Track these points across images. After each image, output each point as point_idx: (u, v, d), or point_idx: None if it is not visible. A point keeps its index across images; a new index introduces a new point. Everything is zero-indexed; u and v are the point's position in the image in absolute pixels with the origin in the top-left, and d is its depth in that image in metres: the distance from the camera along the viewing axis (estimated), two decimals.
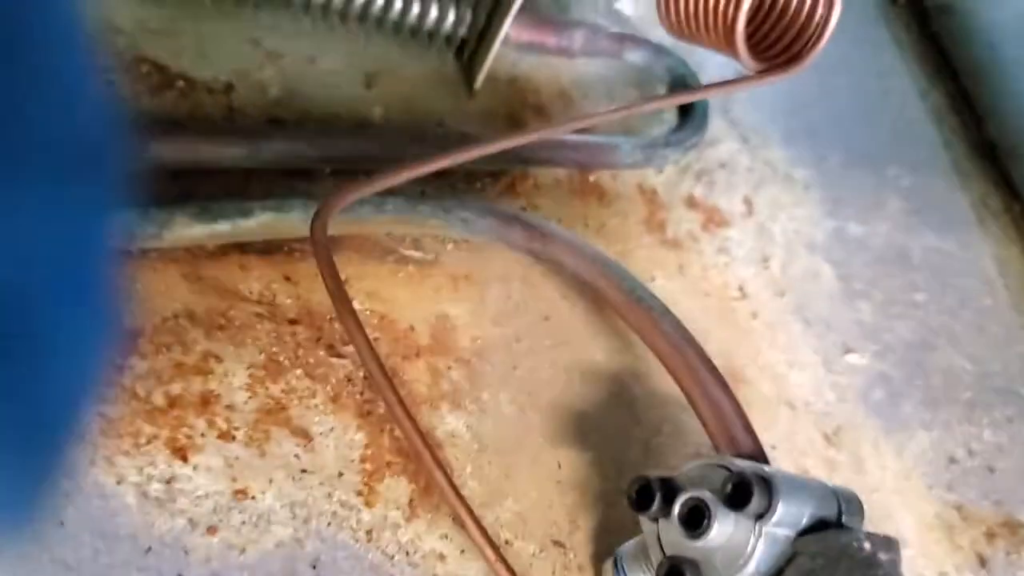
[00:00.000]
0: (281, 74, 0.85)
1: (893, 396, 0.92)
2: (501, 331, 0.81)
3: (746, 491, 0.61)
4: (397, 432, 0.71)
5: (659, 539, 0.65)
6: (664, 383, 0.79)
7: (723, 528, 0.61)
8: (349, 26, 0.89)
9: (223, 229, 0.72)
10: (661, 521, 0.64)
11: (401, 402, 0.65)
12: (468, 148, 0.71)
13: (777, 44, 0.84)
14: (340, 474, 0.69)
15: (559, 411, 0.78)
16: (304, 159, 0.79)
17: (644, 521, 0.66)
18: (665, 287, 0.89)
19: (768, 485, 0.61)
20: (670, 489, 0.64)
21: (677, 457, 0.79)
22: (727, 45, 0.81)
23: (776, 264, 0.96)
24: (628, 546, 0.68)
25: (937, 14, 1.33)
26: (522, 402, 0.77)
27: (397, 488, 0.69)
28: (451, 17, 0.88)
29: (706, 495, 0.62)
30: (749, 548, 0.61)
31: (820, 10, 0.82)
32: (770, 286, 0.94)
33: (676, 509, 0.63)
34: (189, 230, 0.71)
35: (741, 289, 0.92)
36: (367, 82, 0.89)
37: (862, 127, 1.14)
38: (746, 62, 0.81)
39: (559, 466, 0.75)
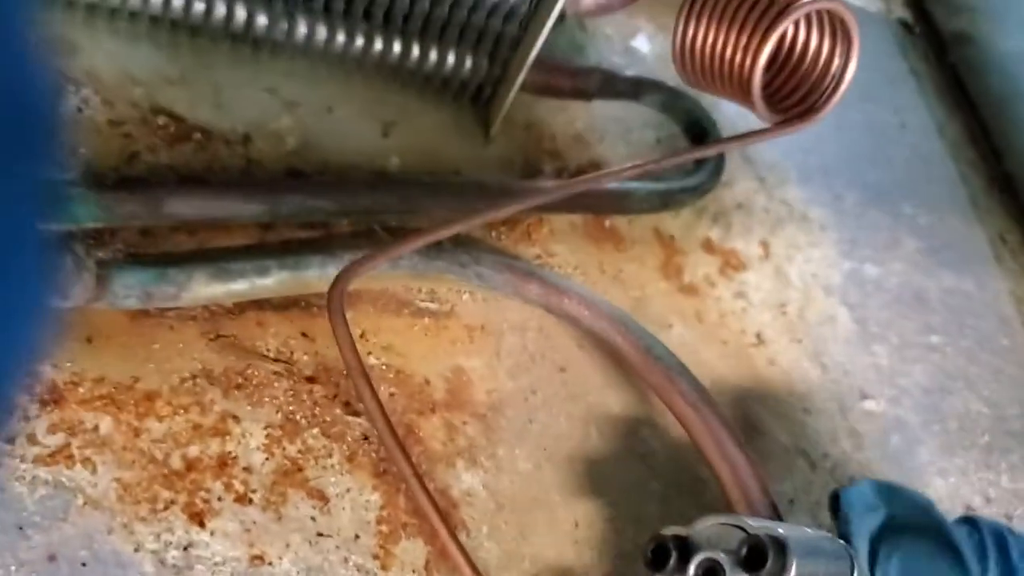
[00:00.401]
0: (298, 124, 0.85)
1: (909, 443, 0.92)
2: (517, 384, 0.81)
3: (761, 554, 0.61)
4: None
5: None
6: (682, 434, 0.79)
7: None
8: (366, 74, 0.89)
9: (240, 288, 0.72)
10: None
11: (417, 474, 0.65)
12: (484, 209, 0.71)
13: (793, 96, 0.83)
14: (356, 537, 0.69)
15: (576, 466, 0.78)
16: (321, 212, 0.79)
17: None
18: (683, 335, 0.89)
19: (782, 547, 0.61)
20: (685, 548, 0.64)
21: (696, 511, 0.79)
22: (744, 97, 0.81)
23: (793, 309, 0.96)
24: None
25: (955, 44, 1.32)
26: (538, 458, 0.77)
27: (414, 551, 0.69)
28: (467, 64, 0.88)
29: (721, 556, 0.62)
30: None
31: (836, 62, 0.82)
32: (787, 332, 0.94)
33: (691, 570, 0.63)
34: (207, 290, 0.71)
35: (759, 336, 0.92)
36: (384, 130, 0.89)
37: (878, 163, 1.14)
38: (763, 114, 0.81)
39: (576, 525, 0.75)
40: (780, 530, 0.63)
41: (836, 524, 0.71)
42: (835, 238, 1.04)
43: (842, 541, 0.68)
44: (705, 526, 0.66)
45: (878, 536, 0.69)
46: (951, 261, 1.08)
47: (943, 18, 1.34)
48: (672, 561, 0.64)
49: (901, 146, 1.18)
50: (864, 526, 0.67)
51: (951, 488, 0.91)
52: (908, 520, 0.70)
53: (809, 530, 0.71)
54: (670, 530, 0.66)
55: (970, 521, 0.73)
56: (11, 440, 0.64)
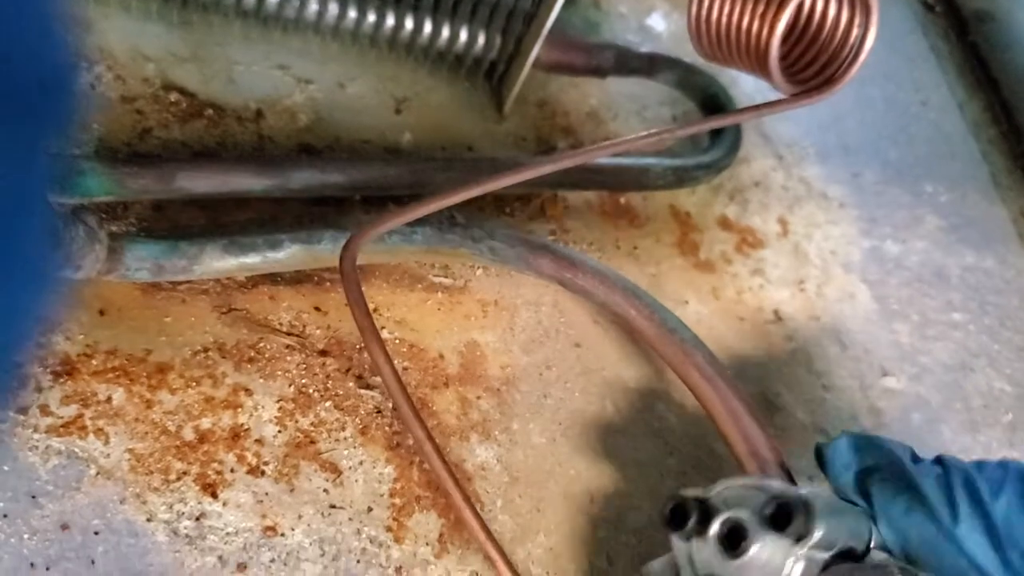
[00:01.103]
0: (311, 100, 0.85)
1: (931, 421, 0.91)
2: (531, 359, 0.80)
3: (787, 513, 0.60)
4: (427, 465, 0.70)
5: (691, 559, 0.64)
6: (699, 408, 0.78)
7: (761, 550, 0.61)
8: (379, 50, 0.88)
9: (253, 261, 0.72)
10: (695, 541, 0.64)
11: (431, 438, 0.65)
12: (494, 178, 0.70)
13: (811, 66, 0.82)
14: (369, 509, 0.68)
15: (590, 441, 0.77)
16: (334, 187, 0.78)
17: (676, 541, 0.65)
18: (699, 311, 0.88)
19: (808, 507, 0.61)
20: (706, 509, 0.64)
21: None
22: (761, 69, 0.80)
23: (811, 286, 0.95)
24: (656, 565, 0.67)
25: (976, 22, 1.30)
26: (553, 432, 0.77)
27: (427, 523, 0.69)
28: (480, 41, 0.88)
29: (745, 516, 0.62)
30: (786, 570, 0.61)
31: (855, 32, 0.81)
32: (805, 309, 0.93)
33: (715, 529, 0.62)
34: (219, 263, 0.71)
35: (776, 312, 0.91)
36: (397, 107, 0.88)
37: (898, 141, 1.12)
38: (780, 85, 0.80)
39: (591, 499, 0.75)
40: (804, 491, 0.63)
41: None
42: (855, 216, 1.02)
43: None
44: (724, 488, 0.65)
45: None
46: (972, 239, 1.07)
47: None
48: (692, 521, 0.63)
49: (922, 124, 1.16)
50: (842, 482, 0.66)
51: None
52: (880, 474, 0.68)
53: (827, 491, 0.70)
54: (690, 491, 0.65)
55: (941, 464, 0.71)
56: (23, 410, 0.64)
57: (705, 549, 0.62)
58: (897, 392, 0.91)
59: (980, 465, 0.65)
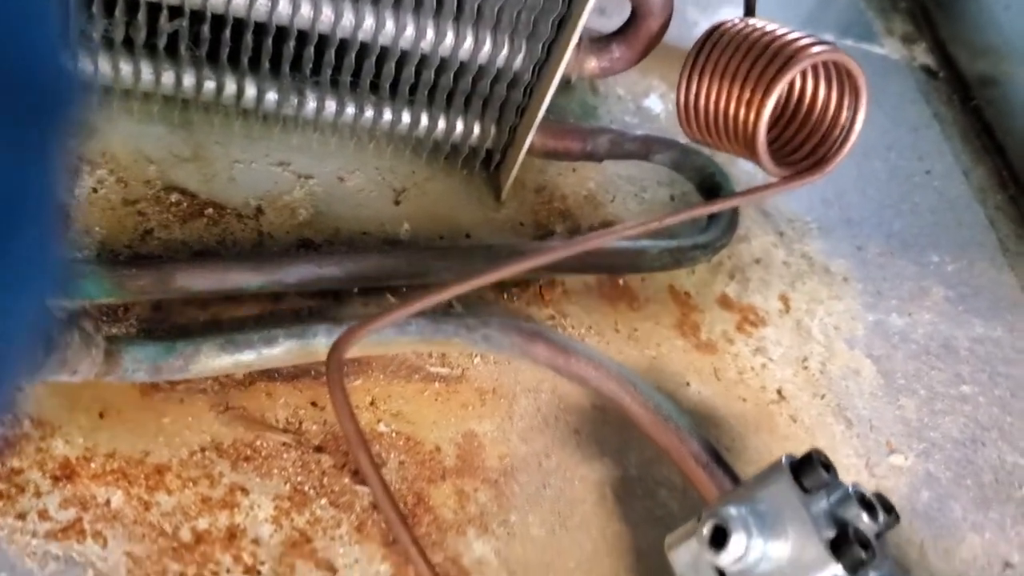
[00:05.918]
0: (310, 195, 0.87)
1: (941, 498, 0.89)
2: (530, 447, 0.80)
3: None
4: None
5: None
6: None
7: None
8: (377, 143, 0.90)
9: (248, 359, 0.73)
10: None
11: (418, 546, 0.65)
12: (480, 273, 0.71)
13: (801, 149, 0.83)
14: None
15: (592, 531, 0.77)
16: (330, 281, 0.80)
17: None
18: (701, 393, 0.88)
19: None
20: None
21: None
22: (749, 153, 0.81)
23: (815, 363, 0.94)
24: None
25: (980, 86, 1.30)
26: (552, 524, 0.76)
27: None
28: (476, 131, 0.89)
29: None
30: None
31: (844, 115, 0.82)
32: (809, 387, 0.92)
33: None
34: (215, 362, 0.72)
35: (779, 392, 0.91)
36: (396, 198, 0.90)
37: (903, 211, 1.12)
38: (769, 169, 0.81)
39: None
40: None
41: None
42: (859, 290, 1.02)
43: None
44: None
45: None
46: (980, 308, 1.06)
47: (967, 61, 1.33)
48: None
49: (927, 193, 1.16)
50: None
51: (987, 544, 0.88)
52: None
53: None
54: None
55: None
56: (22, 516, 0.65)
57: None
58: (905, 469, 0.90)
59: None
